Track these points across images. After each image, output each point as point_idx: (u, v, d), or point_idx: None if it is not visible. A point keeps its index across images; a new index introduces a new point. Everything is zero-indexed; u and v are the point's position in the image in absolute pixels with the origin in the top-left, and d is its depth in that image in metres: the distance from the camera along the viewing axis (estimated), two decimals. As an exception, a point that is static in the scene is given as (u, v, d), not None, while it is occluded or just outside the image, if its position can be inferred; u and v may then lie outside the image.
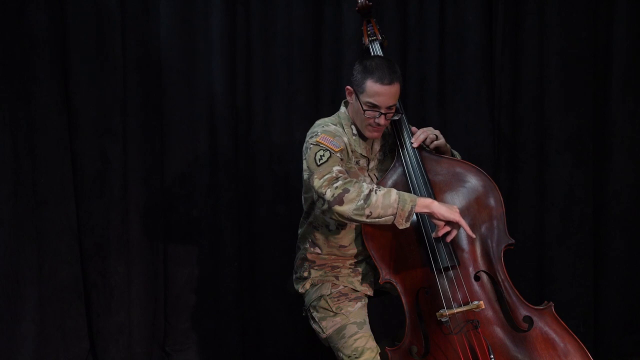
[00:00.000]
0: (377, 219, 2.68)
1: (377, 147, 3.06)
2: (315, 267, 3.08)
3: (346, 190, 2.65)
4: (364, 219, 2.68)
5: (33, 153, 3.53)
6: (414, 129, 3.05)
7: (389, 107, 2.85)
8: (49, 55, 3.52)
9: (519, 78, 3.93)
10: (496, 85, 3.93)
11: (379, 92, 2.81)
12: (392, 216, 2.67)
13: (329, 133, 2.85)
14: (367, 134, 2.94)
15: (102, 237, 3.66)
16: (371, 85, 2.82)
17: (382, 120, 2.86)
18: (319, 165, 2.75)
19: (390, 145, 3.11)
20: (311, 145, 2.82)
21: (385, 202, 2.65)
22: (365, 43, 3.15)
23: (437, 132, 3.03)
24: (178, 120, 3.76)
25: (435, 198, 2.91)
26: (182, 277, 3.81)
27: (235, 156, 3.82)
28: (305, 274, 3.10)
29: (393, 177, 2.99)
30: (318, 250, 3.06)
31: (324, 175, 2.71)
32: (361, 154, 3.00)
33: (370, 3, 3.16)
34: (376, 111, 2.85)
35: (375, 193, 2.66)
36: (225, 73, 3.76)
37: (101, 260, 3.67)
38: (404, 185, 2.96)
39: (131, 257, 3.72)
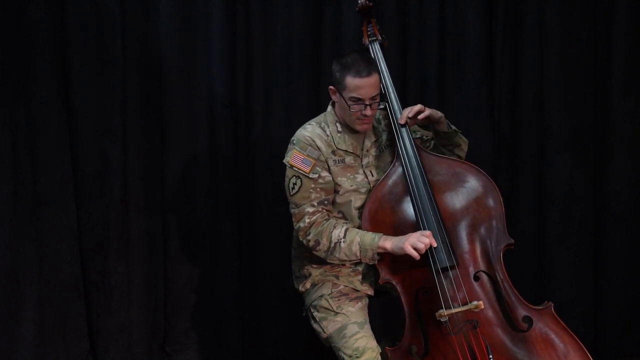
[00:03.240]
0: (346, 261, 3.00)
1: (368, 143, 3.08)
2: (315, 265, 3.08)
3: (317, 243, 2.94)
4: (336, 262, 3.00)
5: (33, 153, 3.53)
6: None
7: (373, 98, 2.91)
8: (49, 55, 3.52)
9: (519, 78, 3.92)
10: (496, 85, 3.92)
11: (360, 85, 2.88)
12: (358, 259, 2.95)
13: (301, 145, 2.98)
14: (358, 127, 2.98)
15: (102, 237, 3.66)
16: (351, 81, 2.89)
17: (368, 112, 2.92)
18: (292, 195, 2.98)
19: (386, 142, 3.13)
20: (287, 166, 2.99)
21: (349, 252, 2.92)
22: (365, 43, 3.15)
23: (421, 105, 3.04)
24: (178, 120, 3.76)
25: (434, 198, 2.94)
26: (182, 277, 3.82)
27: (235, 156, 3.82)
28: (305, 273, 3.11)
29: (393, 177, 3.00)
30: None
31: (299, 221, 2.97)
32: (346, 151, 3.02)
33: (371, 3, 3.16)
34: (361, 104, 2.91)
35: (340, 245, 2.92)
36: (225, 73, 3.76)
37: (101, 260, 3.67)
38: (403, 185, 2.97)
39: (131, 257, 3.72)
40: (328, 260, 2.99)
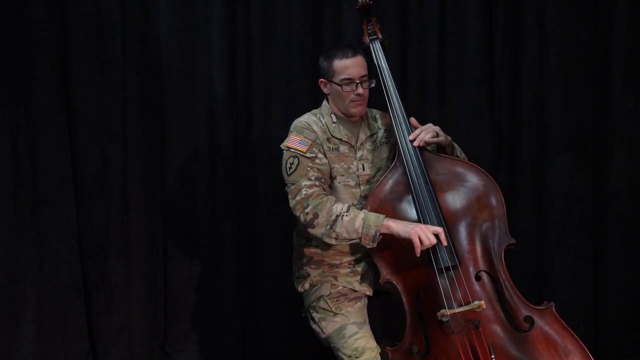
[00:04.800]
0: (344, 241, 2.91)
1: (363, 136, 3.11)
2: (313, 265, 3.08)
3: (316, 216, 2.87)
4: (332, 241, 2.91)
5: (33, 153, 3.53)
6: (413, 121, 3.07)
7: (362, 77, 2.98)
8: (49, 55, 3.52)
9: (519, 78, 3.92)
10: (496, 85, 3.92)
11: (348, 65, 2.96)
12: (358, 239, 2.86)
13: (298, 129, 3.03)
14: (353, 110, 3.02)
15: (102, 237, 3.66)
16: (338, 63, 2.97)
17: (360, 90, 2.98)
18: (289, 175, 2.96)
19: (382, 139, 3.15)
20: (284, 150, 3.01)
21: (350, 227, 2.85)
22: (366, 42, 3.15)
23: (437, 128, 3.04)
24: (178, 120, 3.76)
25: (436, 197, 2.93)
26: (182, 277, 3.82)
27: (235, 156, 3.82)
28: (304, 273, 3.11)
29: (394, 176, 3.00)
30: (315, 244, 3.07)
31: (295, 196, 2.92)
32: (341, 140, 3.05)
33: (371, 2, 3.16)
34: (352, 83, 2.97)
35: (342, 219, 2.85)
36: (225, 73, 3.76)
37: (101, 260, 3.67)
38: (405, 184, 2.97)
39: (131, 257, 3.72)
40: (325, 239, 2.92)
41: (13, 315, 3.52)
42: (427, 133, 3.00)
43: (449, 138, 3.08)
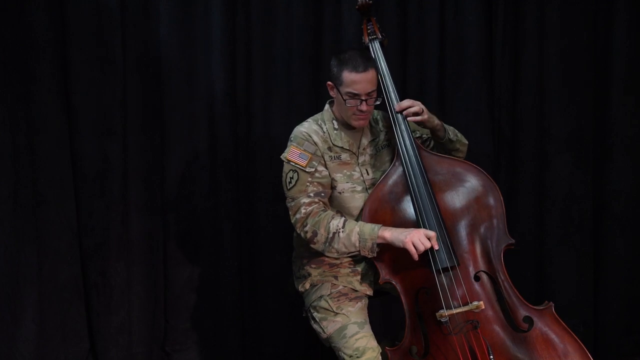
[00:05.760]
0: (345, 254, 2.96)
1: (365, 141, 3.10)
2: (313, 265, 3.08)
3: (315, 234, 2.92)
4: (334, 254, 2.97)
5: (33, 153, 3.53)
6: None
7: (369, 94, 2.93)
8: (49, 55, 3.52)
9: (519, 78, 3.92)
10: (496, 85, 3.92)
11: (356, 80, 2.90)
12: (357, 251, 2.91)
13: (298, 141, 3.00)
14: (354, 123, 2.99)
15: (102, 237, 3.66)
16: (347, 76, 2.91)
17: (364, 107, 2.94)
18: (289, 189, 2.98)
19: (383, 142, 3.14)
20: (284, 161, 3.01)
21: (348, 242, 2.89)
22: (365, 42, 3.15)
23: (423, 107, 3.03)
24: (178, 120, 3.76)
25: (435, 198, 2.93)
26: (182, 277, 3.82)
27: (235, 156, 3.82)
28: (304, 273, 3.11)
29: (393, 177, 3.00)
30: None
31: (295, 213, 2.96)
32: (342, 148, 3.04)
33: (371, 2, 3.16)
34: (357, 99, 2.92)
35: (339, 235, 2.89)
36: (226, 73, 3.76)
37: (101, 260, 3.67)
38: (403, 185, 2.97)
39: (131, 257, 3.72)
40: (326, 254, 2.97)
41: (13, 315, 3.52)
42: (411, 107, 3.01)
43: (437, 121, 3.07)
